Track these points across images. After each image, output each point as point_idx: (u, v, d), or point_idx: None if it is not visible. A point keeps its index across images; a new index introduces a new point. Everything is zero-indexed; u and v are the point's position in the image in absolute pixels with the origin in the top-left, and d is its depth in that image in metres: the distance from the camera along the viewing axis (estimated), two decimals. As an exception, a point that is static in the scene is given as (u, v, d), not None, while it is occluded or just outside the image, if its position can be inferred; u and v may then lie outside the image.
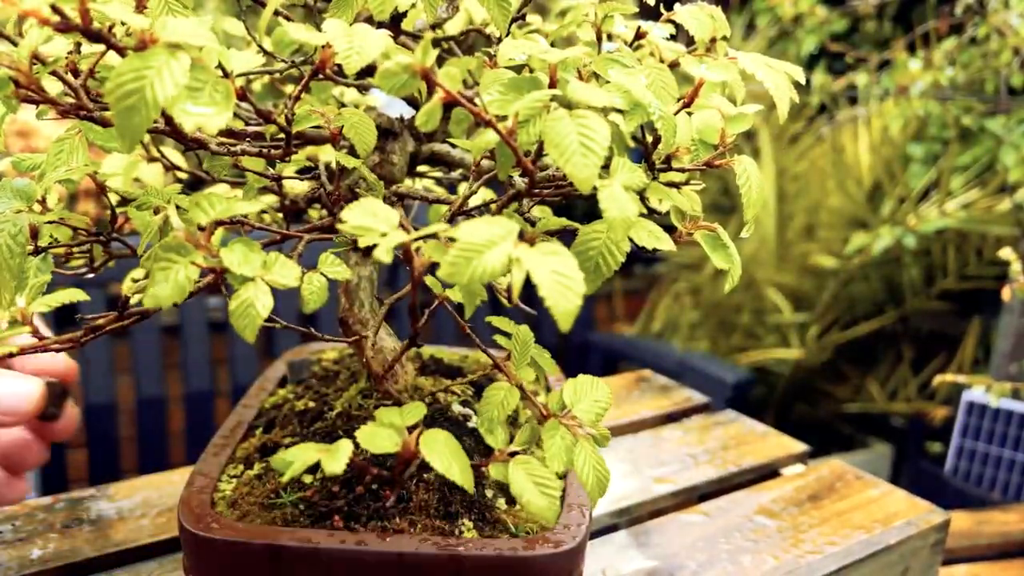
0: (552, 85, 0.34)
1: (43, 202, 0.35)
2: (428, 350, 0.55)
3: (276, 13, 0.41)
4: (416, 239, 0.30)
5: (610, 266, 0.34)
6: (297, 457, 0.33)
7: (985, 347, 2.33)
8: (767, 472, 0.71)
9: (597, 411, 0.38)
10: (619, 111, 0.35)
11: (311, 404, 0.48)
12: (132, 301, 0.36)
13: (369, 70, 0.44)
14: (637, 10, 0.42)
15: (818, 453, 0.76)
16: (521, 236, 0.29)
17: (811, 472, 0.69)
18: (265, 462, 0.44)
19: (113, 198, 0.39)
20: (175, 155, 0.48)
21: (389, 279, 1.73)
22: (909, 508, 0.62)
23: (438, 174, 0.59)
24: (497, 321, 0.43)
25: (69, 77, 0.32)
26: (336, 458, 0.32)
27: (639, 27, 0.42)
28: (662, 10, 0.42)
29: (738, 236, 0.42)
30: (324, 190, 0.41)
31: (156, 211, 0.36)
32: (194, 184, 0.50)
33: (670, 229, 0.39)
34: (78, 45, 0.34)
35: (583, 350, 1.90)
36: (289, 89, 0.59)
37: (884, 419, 2.46)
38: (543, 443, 0.36)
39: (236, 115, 0.43)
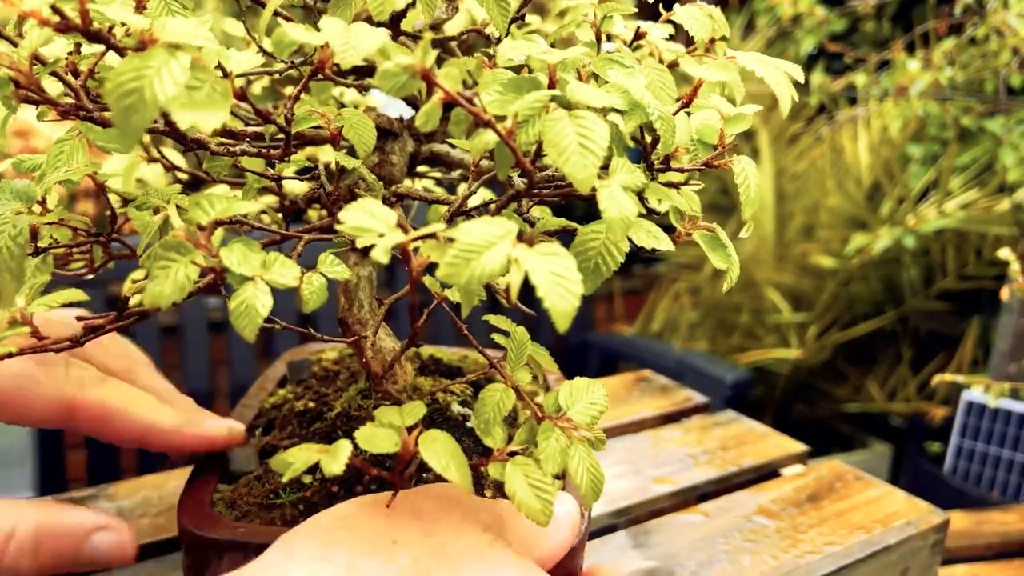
0: (551, 85, 0.34)
1: (43, 203, 0.35)
2: (427, 350, 0.55)
3: (276, 14, 0.41)
4: (414, 239, 0.30)
5: (609, 266, 0.34)
6: (297, 458, 0.33)
7: (984, 347, 2.33)
8: (767, 472, 0.71)
9: (592, 414, 0.38)
10: (618, 111, 0.35)
11: (311, 404, 0.48)
12: (132, 302, 0.36)
13: (369, 70, 0.44)
14: (636, 10, 0.42)
15: (817, 453, 0.76)
16: (520, 237, 0.29)
17: (811, 472, 0.69)
18: (264, 463, 0.44)
19: (113, 199, 0.39)
20: (175, 155, 0.48)
21: (387, 279, 1.73)
22: (909, 508, 0.62)
23: (438, 174, 0.59)
24: (495, 320, 0.43)
25: (69, 78, 0.32)
26: (336, 459, 0.32)
27: (638, 27, 0.42)
28: (661, 10, 0.43)
29: (737, 236, 0.43)
30: (323, 190, 0.41)
31: (156, 211, 0.36)
32: (193, 184, 0.50)
33: (669, 229, 0.39)
34: (78, 46, 0.34)
35: (582, 350, 1.90)
36: (289, 91, 0.59)
37: (883, 419, 2.47)
38: (538, 446, 0.36)
39: (235, 115, 0.43)
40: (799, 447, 0.74)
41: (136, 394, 0.41)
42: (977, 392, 1.94)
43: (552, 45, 0.41)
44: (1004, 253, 1.01)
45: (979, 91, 1.87)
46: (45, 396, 0.38)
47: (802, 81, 0.41)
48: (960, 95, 1.82)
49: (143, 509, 0.60)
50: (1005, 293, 1.05)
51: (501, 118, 0.31)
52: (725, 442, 0.75)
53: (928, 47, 1.87)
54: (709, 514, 0.62)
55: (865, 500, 0.64)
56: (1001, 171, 1.83)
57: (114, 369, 0.43)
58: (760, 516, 0.61)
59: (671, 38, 0.42)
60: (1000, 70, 1.70)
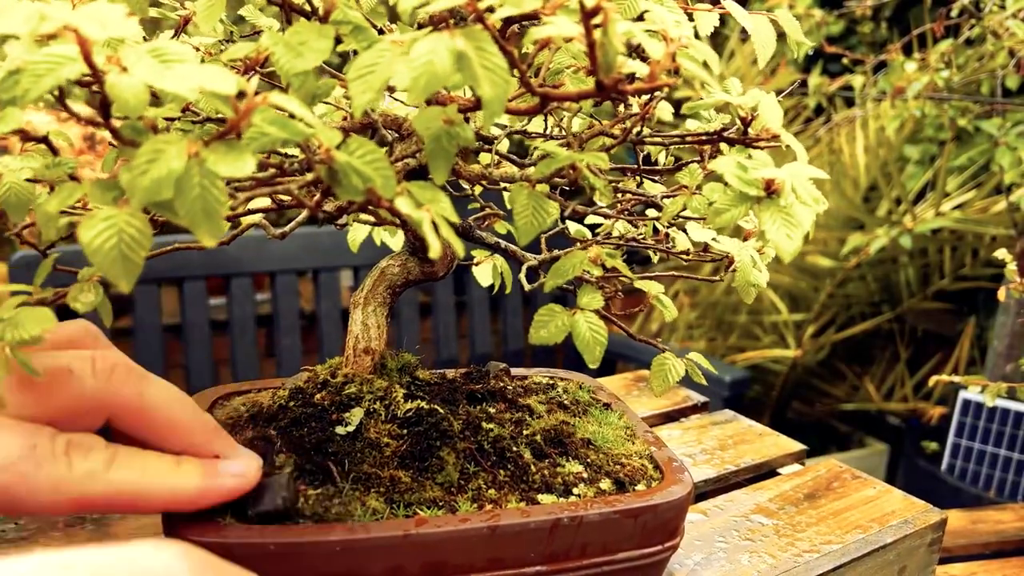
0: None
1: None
2: (407, 357, 0.53)
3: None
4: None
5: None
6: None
7: (981, 347, 2.35)
8: (765, 471, 0.72)
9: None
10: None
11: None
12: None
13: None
14: None
15: (815, 452, 0.76)
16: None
17: (808, 471, 0.70)
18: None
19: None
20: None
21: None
22: (906, 507, 0.63)
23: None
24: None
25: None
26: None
27: None
28: None
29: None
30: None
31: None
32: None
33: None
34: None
35: (581, 350, 1.90)
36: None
37: (880, 418, 2.48)
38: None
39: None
40: (797, 446, 0.75)
41: (149, 461, 0.36)
42: (974, 392, 1.94)
43: None
44: (1001, 253, 1.02)
45: (976, 92, 1.88)
46: (41, 502, 0.34)
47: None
48: (957, 96, 1.83)
49: (147, 509, 0.60)
50: (1002, 293, 1.05)
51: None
52: (723, 441, 0.76)
53: (925, 49, 1.88)
54: (707, 513, 0.62)
55: (862, 499, 0.64)
56: (997, 172, 1.84)
57: (124, 395, 0.37)
58: (758, 515, 0.62)
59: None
60: (996, 71, 1.71)
